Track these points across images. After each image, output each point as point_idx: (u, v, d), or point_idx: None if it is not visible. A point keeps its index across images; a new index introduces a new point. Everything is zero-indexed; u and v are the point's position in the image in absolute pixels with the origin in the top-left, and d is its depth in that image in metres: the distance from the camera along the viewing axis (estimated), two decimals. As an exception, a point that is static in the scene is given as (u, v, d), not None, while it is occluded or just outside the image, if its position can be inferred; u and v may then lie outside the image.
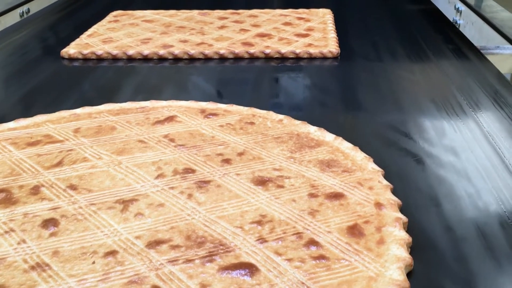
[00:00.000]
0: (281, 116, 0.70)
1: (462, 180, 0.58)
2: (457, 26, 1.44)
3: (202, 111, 0.73)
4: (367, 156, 0.60)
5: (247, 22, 1.14)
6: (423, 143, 0.66)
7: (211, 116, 0.71)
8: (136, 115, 0.72)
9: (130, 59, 0.97)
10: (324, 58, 0.96)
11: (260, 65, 0.95)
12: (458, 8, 1.45)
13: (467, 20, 1.40)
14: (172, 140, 0.65)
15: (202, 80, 0.91)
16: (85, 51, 0.97)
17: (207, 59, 0.97)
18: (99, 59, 0.97)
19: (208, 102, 0.75)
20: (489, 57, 1.03)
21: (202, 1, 1.45)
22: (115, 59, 0.97)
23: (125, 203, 0.53)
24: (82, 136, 0.67)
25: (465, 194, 0.55)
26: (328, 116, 0.75)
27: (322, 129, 0.66)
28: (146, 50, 0.97)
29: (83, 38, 1.05)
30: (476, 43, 1.29)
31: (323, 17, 1.17)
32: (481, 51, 1.04)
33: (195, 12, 1.23)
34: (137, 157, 0.62)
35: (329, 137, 0.65)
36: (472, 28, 1.35)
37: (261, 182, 0.56)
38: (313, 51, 0.96)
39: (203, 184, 0.56)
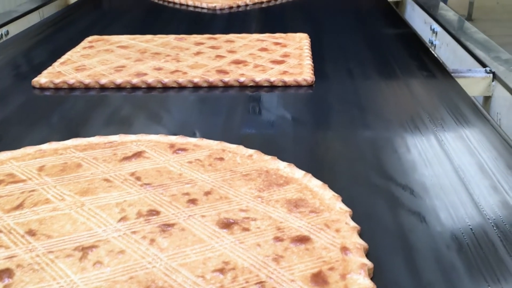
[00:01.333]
0: (251, 151, 0.69)
1: (431, 214, 0.57)
2: (433, 47, 1.45)
3: (171, 146, 0.72)
4: (335, 194, 0.59)
5: (223, 47, 1.14)
6: (393, 175, 0.65)
7: (180, 152, 0.70)
8: (104, 150, 0.71)
9: (103, 88, 0.96)
10: (299, 86, 0.95)
11: (234, 94, 0.94)
12: (433, 29, 1.47)
13: (442, 41, 1.41)
14: (138, 178, 0.64)
15: (175, 109, 0.90)
16: (57, 80, 0.96)
17: (181, 87, 0.96)
18: (71, 88, 0.96)
19: (178, 136, 0.74)
20: (461, 80, 1.05)
21: (180, 25, 1.45)
22: (87, 88, 0.96)
23: (85, 250, 0.51)
24: (46, 175, 0.65)
25: (434, 232, 0.55)
26: (300, 149, 0.75)
27: (292, 165, 0.65)
28: (119, 79, 0.96)
29: (56, 66, 1.03)
30: (451, 64, 1.31)
31: (300, 42, 1.17)
32: (454, 74, 1.06)
33: (171, 37, 1.22)
34: (101, 198, 0.60)
35: (298, 173, 0.64)
36: (447, 49, 1.36)
37: (227, 225, 0.55)
38: (288, 79, 0.95)
39: (167, 227, 0.54)
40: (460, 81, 1.04)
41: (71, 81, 0.96)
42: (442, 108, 0.86)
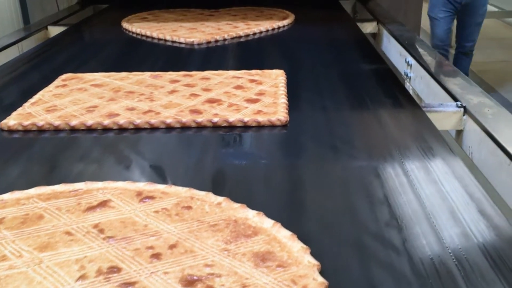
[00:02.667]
0: (220, 199, 0.67)
1: (404, 266, 0.56)
2: (408, 79, 1.46)
3: (139, 193, 0.70)
4: (304, 246, 0.58)
5: (198, 85, 1.13)
6: (365, 221, 0.64)
7: (147, 200, 0.68)
8: (68, 200, 0.69)
9: (73, 130, 0.94)
10: (273, 126, 0.94)
11: (207, 135, 0.93)
12: (408, 61, 1.48)
13: (416, 73, 1.42)
14: (101, 230, 0.62)
15: (146, 152, 0.88)
16: (26, 123, 0.94)
17: (153, 128, 0.95)
18: (41, 130, 0.94)
19: (145, 183, 0.72)
20: (433, 115, 1.05)
21: (157, 60, 1.44)
22: (57, 130, 0.94)
23: (38, 315, 0.48)
24: (6, 228, 0.62)
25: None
26: (271, 193, 0.73)
27: (261, 213, 0.64)
28: (90, 121, 0.94)
29: (26, 106, 1.01)
30: (425, 97, 1.32)
31: (276, 79, 1.17)
32: (426, 108, 1.07)
33: (147, 75, 1.21)
34: (60, 254, 0.58)
35: (267, 223, 0.62)
36: (421, 81, 1.38)
37: (190, 282, 0.53)
38: (262, 119, 0.94)
39: (127, 286, 0.52)
40: (433, 115, 1.05)
41: (41, 123, 0.94)
42: (413, 145, 0.86)
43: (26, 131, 0.94)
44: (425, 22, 6.42)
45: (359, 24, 1.90)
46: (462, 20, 3.49)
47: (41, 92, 1.10)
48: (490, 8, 6.95)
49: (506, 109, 1.09)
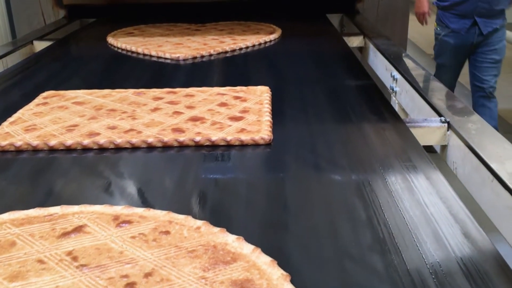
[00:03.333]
0: (199, 223, 0.66)
1: (383, 298, 0.54)
2: (394, 93, 1.46)
3: (116, 217, 0.68)
4: (284, 273, 0.56)
5: (182, 103, 1.12)
6: (347, 246, 0.63)
7: (124, 225, 0.66)
8: (42, 225, 0.66)
9: (52, 150, 0.92)
10: (256, 144, 0.93)
11: (189, 154, 0.91)
12: (394, 76, 1.48)
13: (402, 88, 1.42)
14: (75, 258, 0.60)
15: (126, 173, 0.86)
16: (3, 143, 0.92)
17: (134, 148, 0.93)
18: (19, 150, 0.92)
19: (123, 207, 0.70)
20: (418, 130, 1.06)
21: (142, 76, 1.43)
22: (35, 150, 0.92)
23: None
24: (-25, 257, 0.60)
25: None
26: (252, 215, 0.72)
27: (241, 238, 0.62)
28: (70, 140, 0.92)
29: (5, 126, 0.99)
30: (410, 111, 1.32)
31: (261, 96, 1.15)
32: (410, 124, 1.07)
33: (130, 92, 1.20)
34: (31, 284, 0.55)
35: (247, 249, 0.60)
36: (406, 96, 1.38)
37: (165, 313, 0.51)
38: (245, 138, 0.93)
39: (99, 319, 0.50)
40: (417, 131, 1.05)
41: (18, 143, 0.92)
42: (397, 163, 0.85)
43: (3, 151, 0.92)
44: (413, 34, 6.48)
45: (346, 38, 1.90)
46: (476, 60, 2.88)
47: (21, 111, 1.08)
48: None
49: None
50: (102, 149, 0.92)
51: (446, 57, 2.95)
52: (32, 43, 1.88)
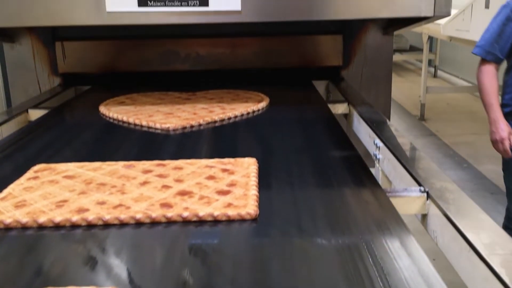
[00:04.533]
0: (184, 306, 0.66)
1: None
2: (377, 161, 1.50)
3: (102, 301, 0.68)
4: None
5: (171, 176, 1.15)
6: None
7: (109, 308, 0.67)
8: (28, 310, 0.67)
9: (41, 227, 0.93)
10: (242, 220, 0.95)
11: (177, 230, 0.93)
12: (376, 143, 1.53)
13: (384, 156, 1.46)
14: None
15: (113, 251, 0.87)
16: (-7, 220, 0.93)
17: (123, 224, 0.94)
18: (8, 228, 0.93)
19: (109, 289, 0.71)
20: (398, 199, 1.09)
21: (132, 147, 1.46)
22: (24, 227, 0.93)
23: None
24: None
25: None
26: (238, 297, 0.73)
27: (226, 322, 0.63)
28: (59, 217, 0.94)
29: (-5, 202, 1.01)
30: (393, 179, 1.36)
31: (248, 168, 1.19)
32: (391, 193, 1.11)
33: (120, 164, 1.23)
34: None
35: (231, 333, 0.61)
36: (388, 164, 1.41)
37: None
38: (232, 213, 0.95)
39: None
40: (398, 200, 1.09)
41: (8, 221, 0.93)
42: (380, 236, 0.88)
43: (-8, 228, 0.93)
44: (398, 96, 6.68)
45: (331, 106, 1.97)
46: None
47: (11, 186, 1.10)
48: (461, 82, 7.33)
49: (480, 181, 1.12)
50: (90, 226, 0.94)
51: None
52: (27, 111, 1.92)
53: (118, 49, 2.36)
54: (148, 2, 1.52)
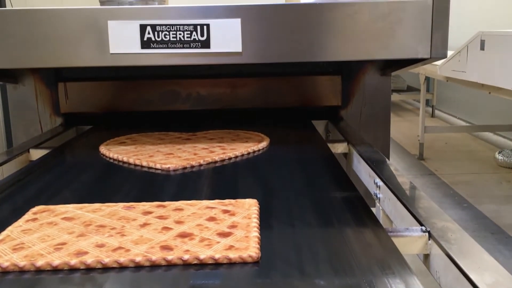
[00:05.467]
0: None
1: None
2: (378, 200, 1.49)
3: None
4: None
5: (171, 217, 1.13)
6: None
7: None
8: None
9: (39, 270, 0.91)
10: (244, 262, 0.93)
11: (177, 273, 0.91)
12: (377, 183, 1.53)
13: (385, 195, 1.46)
14: None
15: (112, 296, 0.85)
16: (-10, 264, 0.91)
17: (122, 267, 0.93)
18: (5, 272, 0.91)
19: (108, 336, 0.69)
20: (400, 239, 1.08)
21: (132, 188, 1.45)
22: (22, 271, 0.91)
23: None
24: None
25: None
26: None
27: None
28: (57, 260, 0.92)
29: (-7, 244, 0.99)
30: (394, 218, 1.35)
31: (249, 210, 1.18)
32: (393, 233, 1.10)
33: (120, 206, 1.22)
34: None
35: None
36: (389, 203, 1.41)
37: None
38: (233, 255, 0.94)
39: None
40: (399, 240, 1.07)
41: (5, 264, 0.91)
42: (383, 278, 0.87)
43: (-11, 272, 0.91)
44: (397, 135, 6.72)
45: (331, 145, 1.98)
46: None
47: (10, 228, 1.08)
48: (458, 122, 7.40)
49: (480, 221, 1.12)
50: (89, 269, 0.92)
51: None
52: (28, 151, 1.93)
53: (120, 89, 2.39)
54: (151, 44, 1.55)
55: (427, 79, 5.99)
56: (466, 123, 7.20)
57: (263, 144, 1.87)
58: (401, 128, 7.23)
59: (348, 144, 2.04)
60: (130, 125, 2.25)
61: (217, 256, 0.94)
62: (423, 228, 1.11)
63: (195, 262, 0.94)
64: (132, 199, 1.27)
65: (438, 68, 4.91)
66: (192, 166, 1.61)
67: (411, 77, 8.39)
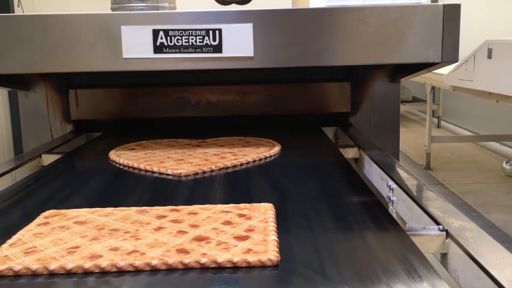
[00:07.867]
0: None
1: None
2: (391, 203, 1.47)
3: None
4: None
5: (186, 221, 1.11)
6: None
7: None
8: None
9: (52, 274, 0.89)
10: (263, 266, 0.90)
11: (195, 277, 0.88)
12: (390, 185, 1.50)
13: (398, 197, 1.43)
14: None
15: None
16: (2, 267, 0.89)
17: (137, 270, 0.90)
18: (17, 275, 0.88)
19: None
20: (417, 238, 1.07)
21: (144, 193, 1.43)
22: (35, 274, 0.88)
23: None
24: None
25: None
26: None
27: None
28: (71, 264, 0.90)
29: (4, 248, 0.97)
30: (408, 220, 1.32)
31: (265, 214, 1.15)
32: (410, 232, 1.08)
33: (133, 210, 1.19)
34: None
35: None
36: (403, 205, 1.38)
37: None
38: (252, 259, 0.91)
39: None
40: (417, 239, 1.06)
41: (17, 268, 0.89)
42: (404, 274, 0.85)
43: (2, 276, 0.88)
44: (404, 146, 6.69)
45: (341, 150, 1.95)
46: None
47: (21, 232, 1.06)
48: (464, 132, 7.37)
49: (489, 230, 1.10)
50: (104, 273, 0.89)
51: None
52: (40, 156, 1.91)
53: (129, 96, 2.38)
54: (164, 49, 1.53)
55: (433, 89, 5.96)
56: (472, 133, 7.16)
57: (275, 150, 1.85)
58: (407, 139, 7.20)
59: (359, 149, 2.02)
60: (140, 132, 2.23)
61: (235, 259, 0.91)
62: (440, 227, 1.10)
63: (213, 265, 0.91)
64: (144, 204, 1.24)
65: (444, 78, 4.89)
66: (204, 172, 1.59)
67: (416, 87, 8.38)
